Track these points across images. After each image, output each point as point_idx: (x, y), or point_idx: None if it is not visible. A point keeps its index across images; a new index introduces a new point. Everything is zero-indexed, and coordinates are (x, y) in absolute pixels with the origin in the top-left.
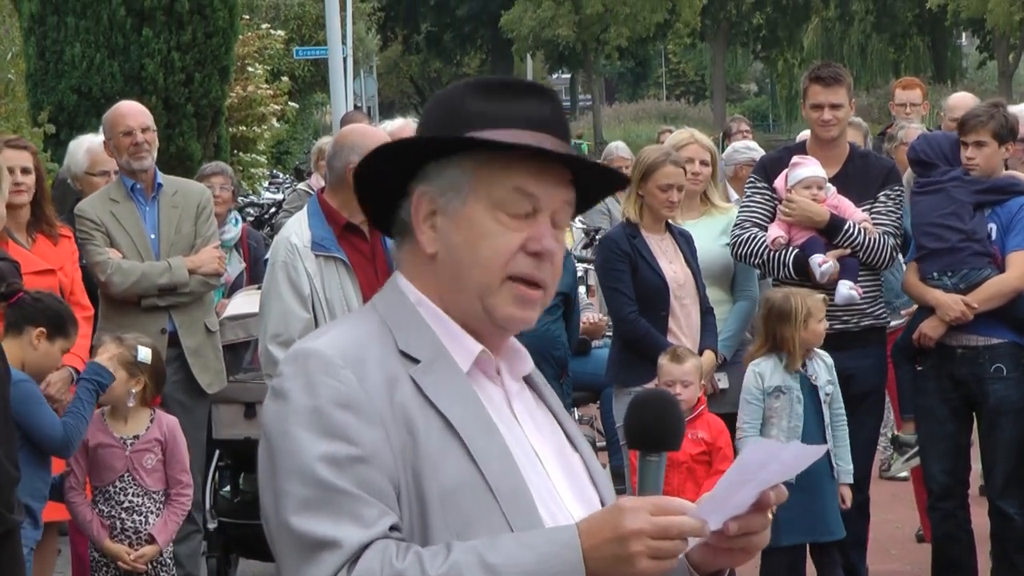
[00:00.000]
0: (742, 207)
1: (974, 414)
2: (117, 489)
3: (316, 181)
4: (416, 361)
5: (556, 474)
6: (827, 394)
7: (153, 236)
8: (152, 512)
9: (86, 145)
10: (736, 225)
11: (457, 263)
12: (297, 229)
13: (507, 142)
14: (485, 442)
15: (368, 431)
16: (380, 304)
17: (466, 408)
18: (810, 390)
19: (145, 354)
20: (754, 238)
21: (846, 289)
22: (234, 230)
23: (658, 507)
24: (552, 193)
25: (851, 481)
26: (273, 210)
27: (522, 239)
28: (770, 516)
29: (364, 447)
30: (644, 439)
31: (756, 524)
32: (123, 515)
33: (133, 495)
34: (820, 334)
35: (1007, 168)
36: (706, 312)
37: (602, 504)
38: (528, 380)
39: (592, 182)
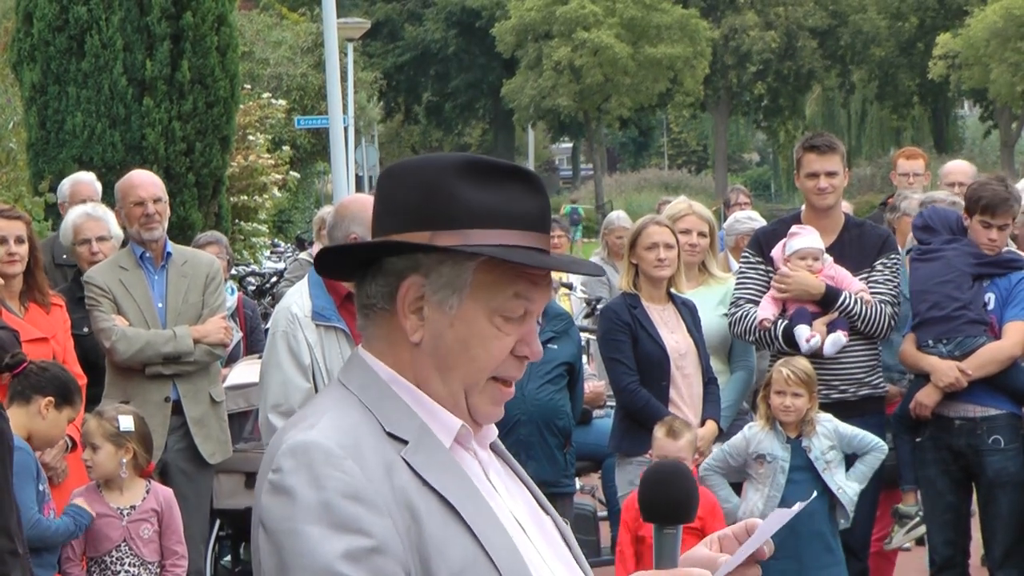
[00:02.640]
0: (737, 283)
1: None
2: (113, 559)
3: (317, 251)
4: (404, 442)
5: (538, 540)
6: (827, 463)
7: (160, 305)
8: None
9: (71, 218)
10: (732, 303)
11: (445, 358)
12: (298, 299)
13: (528, 263)
14: (483, 519)
15: (378, 521)
16: (353, 385)
17: (459, 486)
18: (806, 462)
19: (127, 422)
20: (747, 315)
21: (832, 337)
22: (231, 299)
23: None
24: (543, 296)
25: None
26: (274, 279)
27: (513, 343)
28: (759, 569)
29: (377, 537)
30: (661, 512)
31: (749, 574)
32: None
33: (129, 565)
34: (775, 406)
35: (1013, 240)
36: (709, 382)
37: (578, 564)
38: (493, 447)
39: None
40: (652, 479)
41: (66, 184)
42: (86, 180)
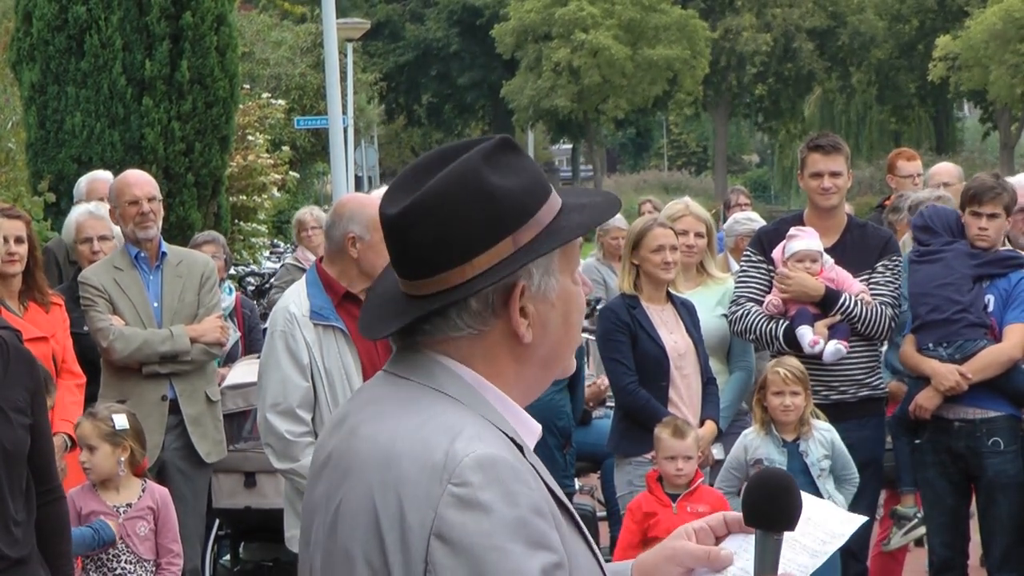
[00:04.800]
0: (738, 282)
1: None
2: (110, 556)
3: (302, 254)
4: (520, 449)
5: None
6: (821, 470)
7: (156, 304)
8: None
9: (74, 216)
10: (732, 301)
11: (554, 339)
12: (296, 298)
13: (610, 215)
14: (583, 524)
15: (555, 535)
16: (450, 391)
17: (561, 492)
18: (802, 466)
19: (122, 421)
20: (748, 314)
21: (832, 347)
22: (228, 299)
23: None
24: None
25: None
26: (273, 280)
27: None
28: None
29: (560, 553)
30: (770, 518)
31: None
32: None
33: (125, 562)
34: (774, 407)
35: (1009, 240)
36: (708, 382)
37: None
38: None
39: None
40: (768, 487)
41: (83, 182)
42: (103, 178)
